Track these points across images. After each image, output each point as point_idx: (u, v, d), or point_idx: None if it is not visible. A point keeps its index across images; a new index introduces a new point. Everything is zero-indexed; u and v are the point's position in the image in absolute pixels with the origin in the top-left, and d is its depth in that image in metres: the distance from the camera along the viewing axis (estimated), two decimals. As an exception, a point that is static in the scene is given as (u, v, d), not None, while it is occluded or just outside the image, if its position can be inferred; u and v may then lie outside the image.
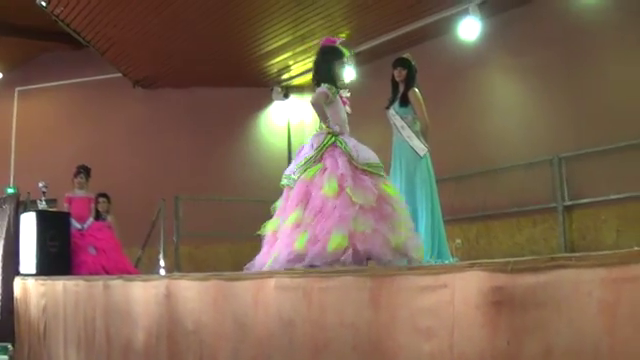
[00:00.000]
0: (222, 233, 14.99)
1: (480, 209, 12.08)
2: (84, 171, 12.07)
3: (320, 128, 6.23)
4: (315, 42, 13.60)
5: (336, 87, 6.37)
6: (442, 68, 12.66)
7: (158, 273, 12.42)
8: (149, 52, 14.33)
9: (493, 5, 11.83)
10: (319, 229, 5.36)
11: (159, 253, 13.60)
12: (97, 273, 10.95)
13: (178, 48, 14.00)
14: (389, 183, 6.05)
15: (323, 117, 6.22)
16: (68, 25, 12.96)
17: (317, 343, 3.38)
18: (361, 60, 13.85)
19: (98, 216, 12.29)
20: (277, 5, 12.08)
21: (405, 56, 8.91)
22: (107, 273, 11.04)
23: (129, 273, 10.62)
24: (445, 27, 12.57)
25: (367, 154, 5.97)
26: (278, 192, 16.90)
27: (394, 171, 8.51)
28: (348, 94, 6.62)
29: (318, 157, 5.91)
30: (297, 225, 5.58)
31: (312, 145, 6.05)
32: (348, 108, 6.52)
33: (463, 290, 2.72)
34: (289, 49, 14.22)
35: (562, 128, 11.33)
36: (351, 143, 5.98)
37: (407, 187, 8.30)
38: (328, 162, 5.81)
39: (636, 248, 2.36)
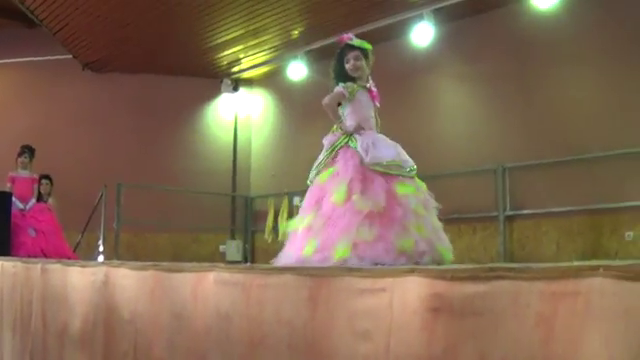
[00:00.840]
0: (163, 223, 14.96)
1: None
2: (28, 151, 11.98)
3: (336, 128, 6.08)
4: (267, 37, 13.62)
5: (355, 83, 6.15)
6: (393, 72, 12.69)
7: (97, 259, 12.33)
8: (101, 35, 14.20)
9: (448, 12, 11.91)
10: (325, 237, 5.30)
11: (99, 239, 13.50)
12: (35, 256, 10.84)
13: (131, 34, 13.90)
14: (406, 182, 5.76)
15: (334, 117, 6.11)
16: (22, 2, 12.81)
17: (253, 339, 3.38)
18: (313, 58, 13.90)
19: (40, 198, 12.20)
20: (232, -2, 12.07)
21: (358, 58, 8.95)
22: (45, 256, 10.94)
23: (68, 258, 10.54)
24: (399, 31, 12.63)
25: (381, 152, 5.76)
26: (221, 185, 16.90)
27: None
28: (374, 88, 6.38)
29: (329, 160, 5.81)
30: (309, 229, 5.51)
31: (325, 146, 5.92)
32: (377, 103, 6.34)
33: (402, 295, 2.73)
34: (241, 42, 14.19)
35: (509, 138, 11.47)
36: (366, 141, 5.79)
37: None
38: (340, 165, 5.69)
39: (575, 263, 2.39)
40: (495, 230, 11.35)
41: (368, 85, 6.28)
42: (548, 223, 10.75)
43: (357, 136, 5.87)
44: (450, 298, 2.52)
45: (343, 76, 6.17)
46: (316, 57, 13.90)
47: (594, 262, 2.34)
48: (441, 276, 2.59)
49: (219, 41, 14.12)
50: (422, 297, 2.63)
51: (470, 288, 2.47)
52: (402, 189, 5.58)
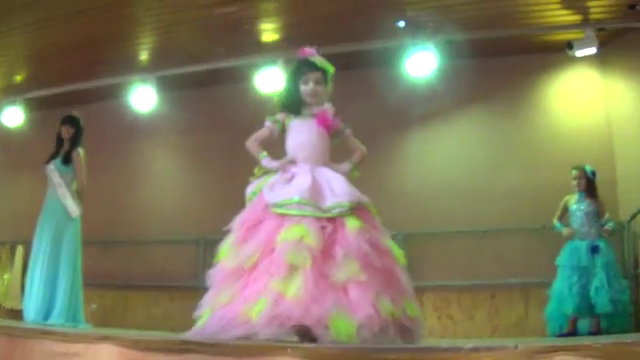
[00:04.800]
0: None
1: (121, 277, 12.09)
2: None
3: (258, 172, 5.34)
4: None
5: (295, 112, 5.18)
6: (110, 132, 12.60)
7: None
8: None
9: (170, 81, 11.98)
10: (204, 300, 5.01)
11: None
12: None
13: None
14: (298, 224, 4.64)
15: (257, 159, 5.30)
16: None
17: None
18: (33, 106, 13.56)
19: None
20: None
21: (75, 114, 8.89)
22: None
23: None
24: (120, 91, 12.55)
25: (277, 191, 4.92)
26: None
27: (41, 226, 8.48)
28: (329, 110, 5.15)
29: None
30: None
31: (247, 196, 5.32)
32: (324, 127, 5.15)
33: (94, 361, 2.76)
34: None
35: (211, 211, 11.61)
36: (275, 178, 5.04)
37: (52, 246, 8.31)
38: (241, 215, 5.16)
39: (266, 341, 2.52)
40: (195, 300, 11.41)
41: (313, 112, 5.21)
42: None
43: (275, 174, 5.12)
44: (142, 367, 2.58)
45: (291, 102, 5.24)
46: (35, 106, 13.56)
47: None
48: (134, 346, 2.64)
49: None
50: (114, 364, 2.66)
51: (162, 359, 2.54)
52: (287, 235, 4.63)
